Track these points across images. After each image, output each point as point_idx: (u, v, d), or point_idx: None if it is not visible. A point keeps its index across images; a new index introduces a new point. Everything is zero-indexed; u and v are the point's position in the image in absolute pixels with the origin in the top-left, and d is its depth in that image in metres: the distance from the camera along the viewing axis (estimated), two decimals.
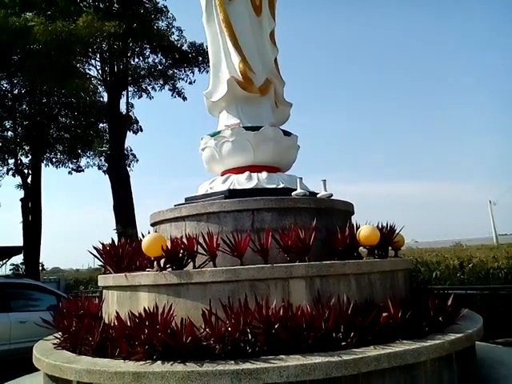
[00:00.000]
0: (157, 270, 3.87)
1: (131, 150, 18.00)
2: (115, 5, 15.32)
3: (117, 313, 3.82)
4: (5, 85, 17.04)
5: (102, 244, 4.69)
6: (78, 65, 15.36)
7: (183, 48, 17.28)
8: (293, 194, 4.69)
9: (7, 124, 17.42)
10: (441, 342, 3.39)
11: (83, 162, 18.92)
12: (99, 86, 17.68)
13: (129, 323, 3.59)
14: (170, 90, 17.79)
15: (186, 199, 5.23)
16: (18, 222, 16.86)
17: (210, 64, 5.89)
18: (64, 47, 12.19)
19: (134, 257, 4.42)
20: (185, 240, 4.01)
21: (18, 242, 16.59)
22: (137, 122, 17.97)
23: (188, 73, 17.58)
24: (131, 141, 17.77)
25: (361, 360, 3.04)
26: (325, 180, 4.94)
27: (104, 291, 4.57)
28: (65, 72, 12.95)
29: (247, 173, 5.15)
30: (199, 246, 3.94)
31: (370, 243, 4.18)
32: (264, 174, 5.13)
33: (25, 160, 17.78)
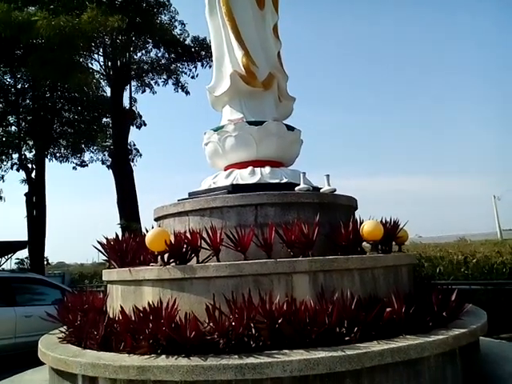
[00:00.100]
0: (161, 265, 3.88)
1: (134, 145, 18.03)
2: None
3: (121, 307, 3.83)
4: (8, 79, 17.04)
5: (106, 239, 4.70)
6: (80, 59, 15.34)
7: (186, 42, 17.22)
8: (296, 188, 4.69)
9: (11, 119, 17.45)
10: (444, 338, 3.39)
11: (87, 156, 18.97)
12: (102, 81, 17.65)
13: (133, 317, 3.61)
14: (173, 84, 17.77)
15: (190, 194, 5.24)
16: (22, 217, 16.95)
17: (213, 58, 5.87)
18: (67, 42, 12.15)
19: (138, 251, 4.43)
20: (188, 235, 4.01)
21: (23, 236, 16.67)
22: (140, 116, 17.97)
23: (191, 67, 17.54)
24: (134, 136, 17.83)
25: (364, 355, 3.04)
26: (328, 175, 4.92)
27: (108, 286, 4.59)
28: (68, 66, 12.93)
29: (250, 168, 5.14)
30: (203, 241, 3.95)
31: (373, 238, 4.17)
32: (267, 169, 5.12)
33: (29, 155, 17.83)
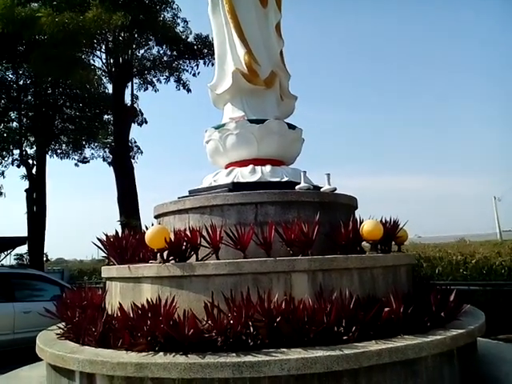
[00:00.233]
0: (160, 262, 3.89)
1: (135, 142, 18.00)
2: None
3: (120, 304, 3.84)
4: (10, 75, 17.02)
5: (106, 235, 4.71)
6: (83, 56, 15.32)
7: (188, 40, 17.19)
8: (296, 187, 4.69)
9: (12, 115, 17.44)
10: (442, 338, 3.39)
11: (88, 153, 18.97)
12: (104, 78, 17.64)
13: (131, 314, 3.61)
14: (175, 81, 17.75)
15: (190, 192, 5.24)
16: (22, 213, 16.97)
17: (215, 56, 5.87)
18: (70, 38, 12.13)
19: (138, 249, 4.44)
20: (188, 232, 4.02)
21: (23, 232, 16.68)
22: (141, 113, 17.95)
23: (193, 65, 17.51)
24: (136, 133, 17.82)
25: (362, 354, 3.04)
26: (329, 174, 4.93)
27: (107, 282, 4.60)
28: (70, 63, 12.91)
29: (251, 166, 5.14)
30: (202, 239, 3.95)
31: (373, 238, 4.17)
32: (268, 168, 5.12)
33: (30, 151, 17.83)
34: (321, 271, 3.72)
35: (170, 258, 3.91)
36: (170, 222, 4.70)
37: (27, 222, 16.84)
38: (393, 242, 4.66)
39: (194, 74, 17.54)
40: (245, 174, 5.06)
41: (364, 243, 4.34)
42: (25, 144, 17.56)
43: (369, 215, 4.41)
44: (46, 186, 17.45)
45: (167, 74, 17.69)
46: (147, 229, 4.35)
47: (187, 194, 5.21)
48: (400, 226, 4.63)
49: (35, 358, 4.40)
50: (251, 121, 5.26)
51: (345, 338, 3.23)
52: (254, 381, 2.96)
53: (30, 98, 17.57)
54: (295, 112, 6.03)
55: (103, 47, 16.02)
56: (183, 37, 17.06)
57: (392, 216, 4.61)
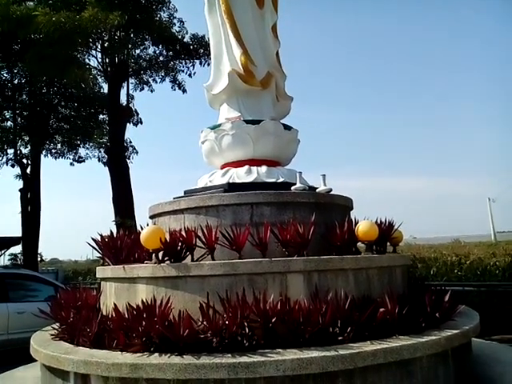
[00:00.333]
0: (155, 263, 3.87)
1: (131, 142, 17.96)
2: None
3: (114, 305, 3.83)
4: (5, 74, 16.93)
5: (101, 236, 4.68)
6: (78, 55, 15.26)
7: (185, 40, 17.17)
8: (292, 188, 4.69)
9: (7, 114, 17.35)
10: (437, 338, 3.40)
11: (83, 153, 18.91)
12: (99, 77, 17.58)
13: (126, 315, 3.59)
14: (170, 81, 17.72)
15: (186, 192, 5.23)
16: (16, 213, 16.88)
17: (211, 56, 5.86)
18: (66, 37, 12.08)
19: (133, 249, 4.42)
20: (183, 233, 4.01)
21: (17, 232, 16.61)
22: (137, 113, 17.91)
23: (189, 65, 17.49)
24: (131, 133, 17.78)
25: (357, 355, 3.05)
26: (324, 175, 4.94)
27: (102, 283, 4.58)
28: (65, 62, 12.86)
29: (247, 166, 5.14)
30: (198, 239, 3.94)
31: (368, 239, 4.18)
32: (264, 168, 5.12)
33: (24, 150, 17.76)
34: (316, 272, 3.72)
35: (166, 258, 3.90)
36: (166, 223, 4.69)
37: (21, 221, 16.77)
38: (388, 243, 4.67)
39: (189, 75, 17.53)
40: (240, 175, 5.06)
41: (359, 244, 4.35)
42: (19, 143, 17.49)
43: (364, 216, 4.42)
44: (41, 185, 17.39)
45: (163, 74, 17.66)
46: (142, 229, 4.34)
47: (183, 194, 5.20)
48: (395, 227, 4.64)
49: (30, 359, 4.37)
50: (247, 121, 5.26)
51: (340, 338, 3.24)
52: (250, 381, 2.95)
53: (24, 97, 17.49)
54: (292, 113, 6.05)
55: (99, 46, 15.97)
56: (179, 37, 17.04)
57: (388, 217, 4.63)
